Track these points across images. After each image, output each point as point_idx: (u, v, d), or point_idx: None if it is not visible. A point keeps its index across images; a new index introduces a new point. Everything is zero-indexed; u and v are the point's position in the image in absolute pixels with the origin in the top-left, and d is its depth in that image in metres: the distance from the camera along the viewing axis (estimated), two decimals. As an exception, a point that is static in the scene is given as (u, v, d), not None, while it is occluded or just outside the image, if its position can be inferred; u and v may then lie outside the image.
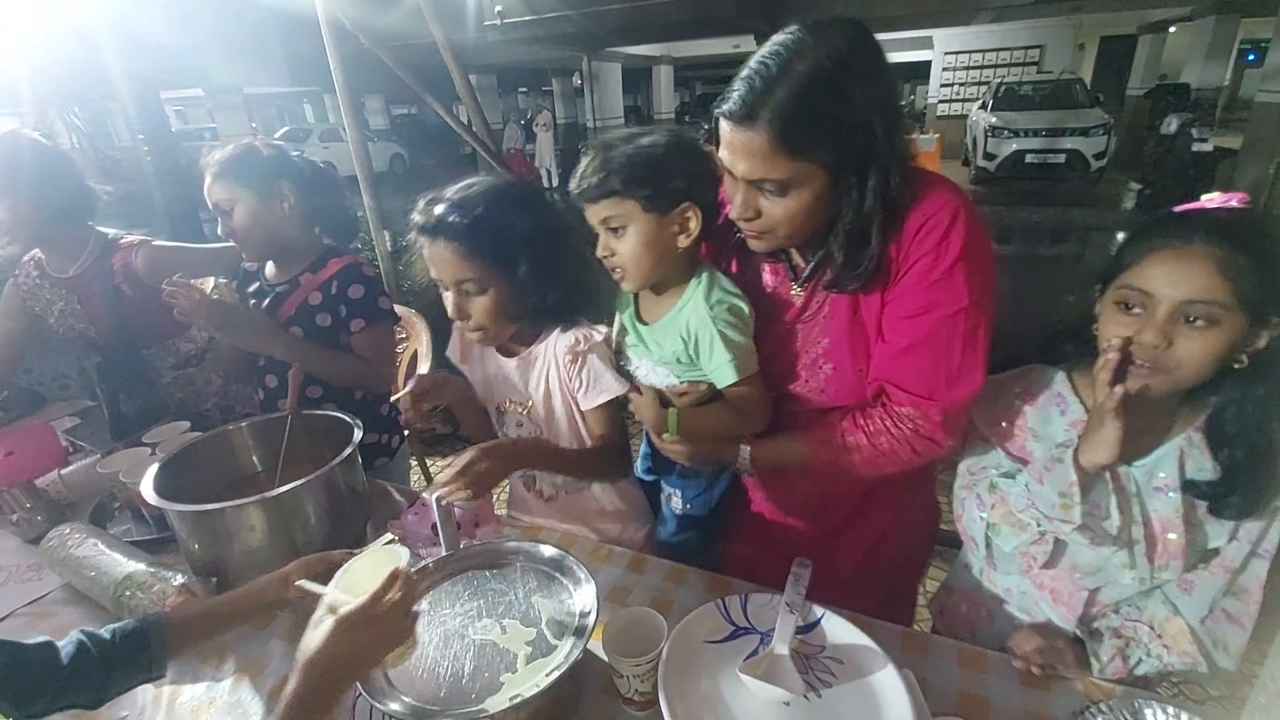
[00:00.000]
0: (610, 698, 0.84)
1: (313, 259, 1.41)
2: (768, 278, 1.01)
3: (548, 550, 0.93)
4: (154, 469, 1.07)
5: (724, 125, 0.81)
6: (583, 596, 0.85)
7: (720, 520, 1.18)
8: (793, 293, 0.97)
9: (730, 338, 0.94)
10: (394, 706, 0.70)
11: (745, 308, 0.97)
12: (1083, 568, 0.91)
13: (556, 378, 1.12)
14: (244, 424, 1.23)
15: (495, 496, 1.28)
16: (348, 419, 1.19)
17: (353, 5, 2.60)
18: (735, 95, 0.78)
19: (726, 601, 0.91)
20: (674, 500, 1.18)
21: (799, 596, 0.88)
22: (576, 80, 13.93)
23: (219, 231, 1.33)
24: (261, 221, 1.32)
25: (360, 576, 0.71)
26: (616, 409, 1.15)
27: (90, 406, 1.68)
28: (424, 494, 1.09)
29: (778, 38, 0.79)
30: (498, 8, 7.89)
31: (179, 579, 0.98)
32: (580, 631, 0.80)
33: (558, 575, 0.90)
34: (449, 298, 1.04)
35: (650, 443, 1.16)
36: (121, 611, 0.96)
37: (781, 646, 0.81)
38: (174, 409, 1.62)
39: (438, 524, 0.97)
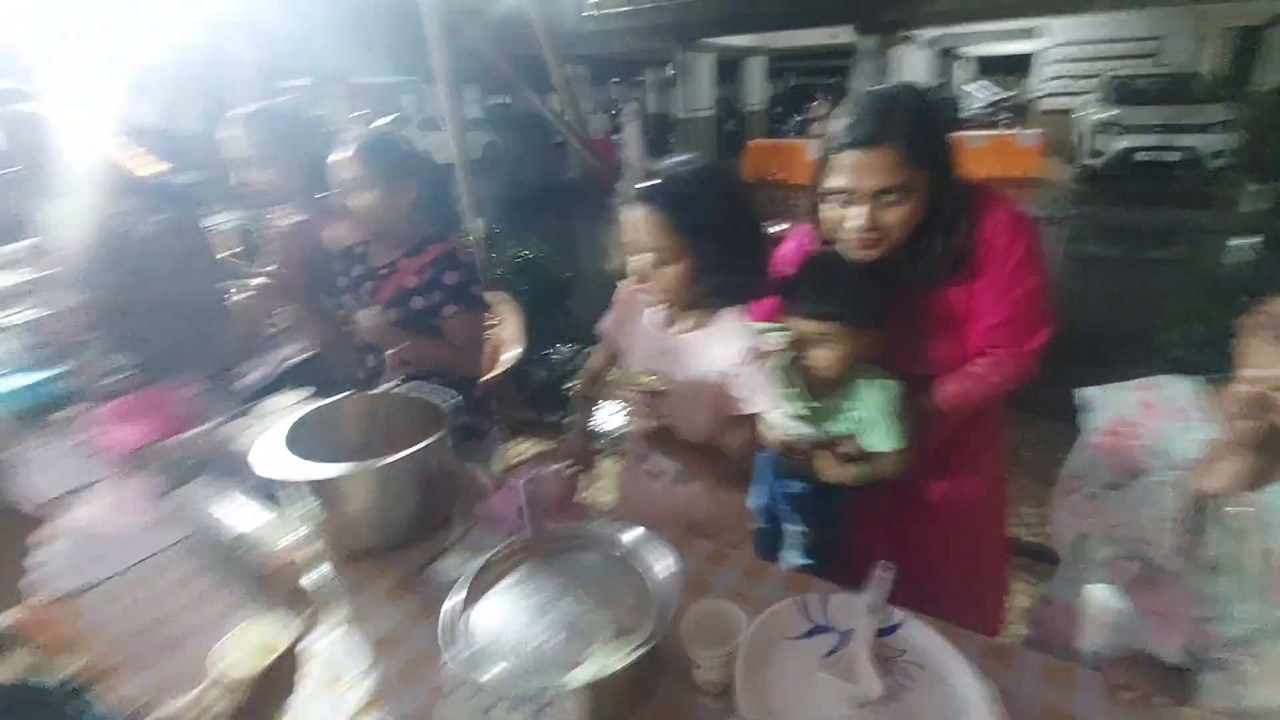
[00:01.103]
0: (686, 685, 0.84)
1: (413, 244, 1.49)
2: None
3: (631, 536, 0.94)
4: (272, 435, 1.16)
5: (848, 154, 1.01)
6: (665, 582, 0.86)
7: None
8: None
9: (900, 428, 1.11)
10: (485, 676, 0.72)
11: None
12: (1193, 595, 0.85)
13: (715, 369, 1.14)
14: (351, 398, 1.31)
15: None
16: (443, 399, 1.24)
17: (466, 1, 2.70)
18: (858, 128, 1.00)
19: (807, 599, 0.90)
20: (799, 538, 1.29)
21: (881, 599, 0.86)
22: (669, 71, 13.89)
23: (338, 199, 1.42)
24: (381, 207, 1.42)
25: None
26: (755, 420, 1.17)
27: (213, 373, 1.83)
28: (511, 479, 1.12)
29: (872, 91, 1.07)
30: (595, -1, 8.00)
31: (292, 538, 1.06)
32: (662, 616, 0.80)
33: (640, 561, 0.91)
34: (637, 261, 1.10)
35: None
36: (233, 567, 1.05)
37: (862, 647, 0.80)
38: (292, 378, 1.75)
39: (524, 506, 1.00)
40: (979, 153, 8.64)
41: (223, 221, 2.33)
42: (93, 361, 1.71)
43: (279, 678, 0.73)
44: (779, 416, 1.16)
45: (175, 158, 2.43)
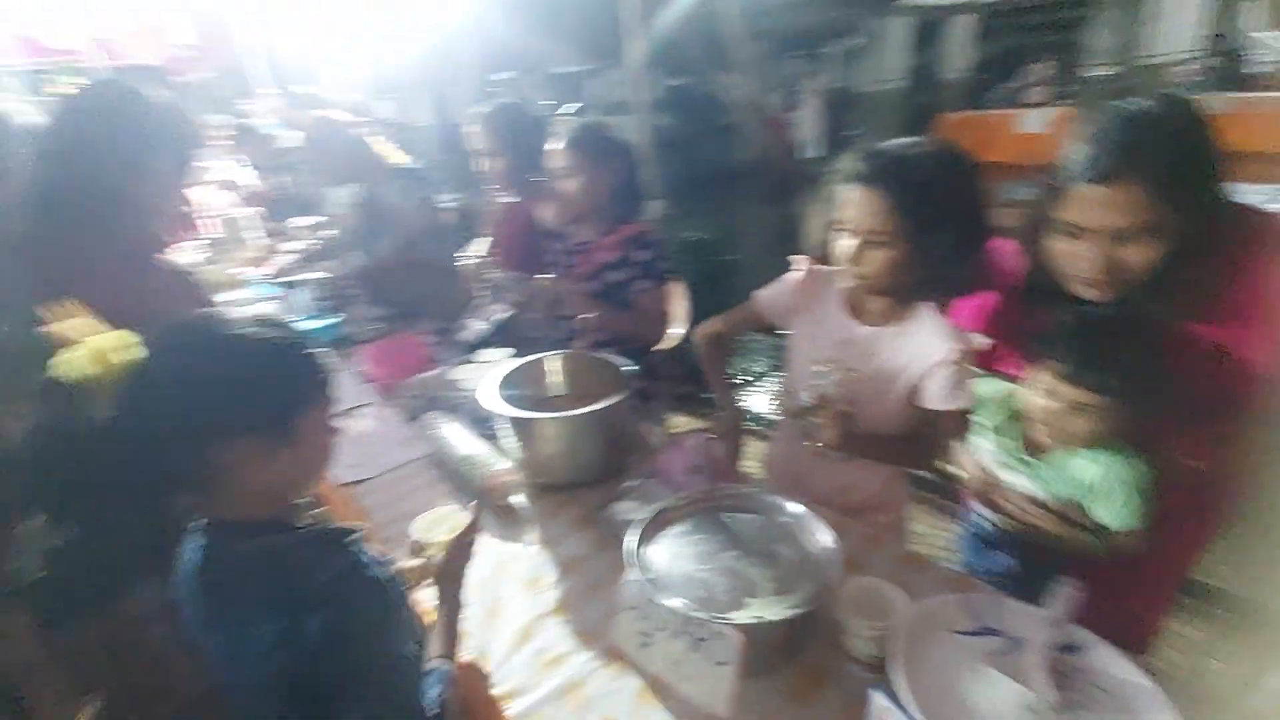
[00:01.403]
0: (836, 653, 0.89)
1: (609, 223, 1.65)
2: None
3: (794, 507, 1.00)
4: (488, 381, 1.40)
5: (1088, 189, 0.88)
6: (825, 552, 0.91)
7: None
8: None
9: (1141, 505, 0.97)
10: (664, 598, 0.85)
11: None
12: None
13: (903, 366, 1.14)
14: (551, 357, 1.51)
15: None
16: (626, 363, 1.40)
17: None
18: (1099, 161, 0.87)
19: (975, 599, 0.89)
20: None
21: (1064, 615, 0.82)
22: (856, 41, 13.04)
23: (552, 188, 1.64)
24: (589, 190, 1.59)
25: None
26: (947, 419, 1.15)
27: (443, 328, 2.20)
28: (685, 439, 1.24)
29: (1122, 111, 0.90)
30: (781, -29, 7.76)
31: (504, 464, 1.28)
32: (821, 579, 0.86)
33: (802, 530, 0.97)
34: (847, 243, 1.07)
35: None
36: (460, 480, 1.30)
37: (1036, 656, 0.78)
38: (502, 335, 2.06)
39: (696, 463, 1.11)
40: (1269, 120, 6.92)
41: (448, 200, 2.72)
42: (359, 311, 2.16)
43: (464, 545, 0.96)
44: (987, 455, 1.09)
45: (411, 147, 2.90)
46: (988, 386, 1.11)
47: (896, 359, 1.15)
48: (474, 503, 1.01)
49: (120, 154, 1.04)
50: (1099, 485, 0.98)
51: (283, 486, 0.76)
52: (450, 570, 0.93)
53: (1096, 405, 0.93)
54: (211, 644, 0.73)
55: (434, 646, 0.84)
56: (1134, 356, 0.91)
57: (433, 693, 0.77)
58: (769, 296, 1.32)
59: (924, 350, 1.11)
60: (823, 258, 1.20)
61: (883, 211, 1.01)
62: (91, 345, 0.63)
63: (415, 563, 1.02)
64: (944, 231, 1.01)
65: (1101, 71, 8.54)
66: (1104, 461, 0.97)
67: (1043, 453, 1.04)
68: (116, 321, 0.71)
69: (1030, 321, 1.03)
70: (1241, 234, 0.92)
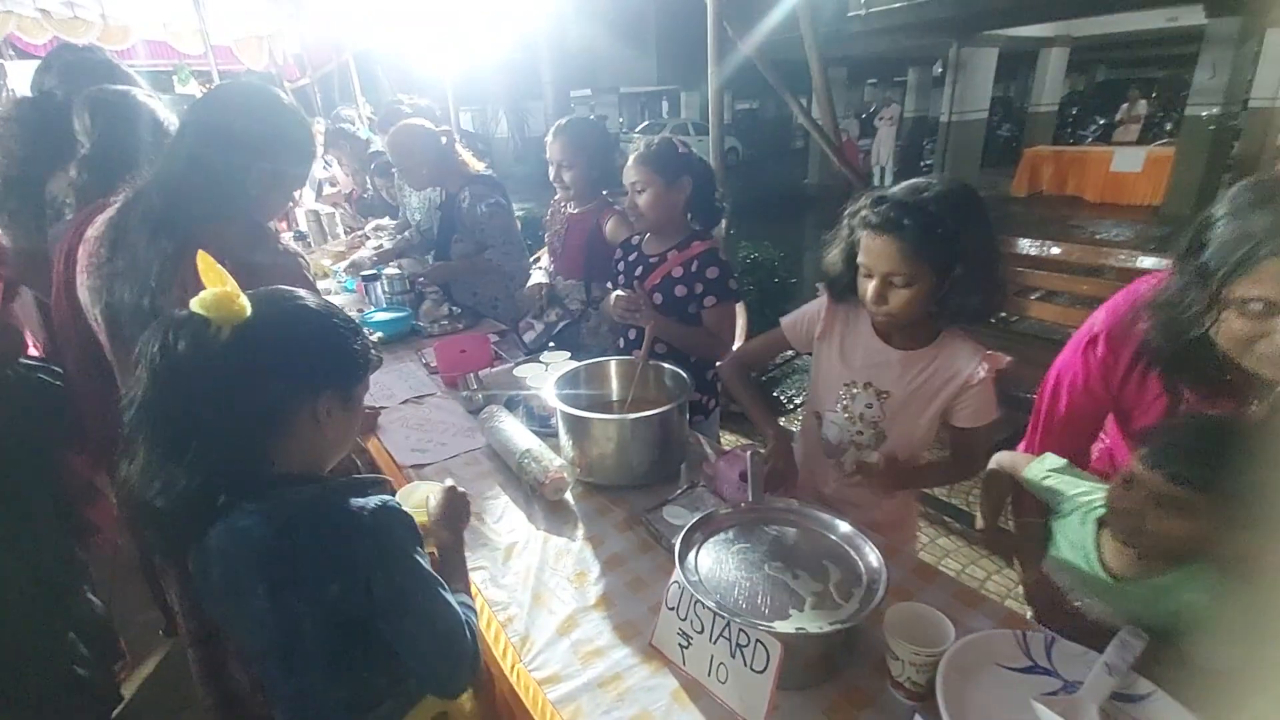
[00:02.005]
0: (877, 675, 0.88)
1: (680, 238, 1.69)
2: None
3: (843, 525, 1.00)
4: (551, 380, 1.45)
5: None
6: (872, 573, 0.90)
7: None
8: (1252, 407, 0.93)
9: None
10: (708, 601, 0.86)
11: None
12: None
13: (936, 387, 1.20)
14: (611, 361, 1.56)
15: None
16: (684, 375, 1.42)
17: (735, 12, 2.89)
18: None
19: (1028, 636, 0.86)
20: None
21: (1124, 662, 0.79)
22: (937, 69, 12.77)
23: (625, 205, 1.69)
24: (662, 203, 1.64)
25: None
26: (989, 431, 1.21)
27: (504, 329, 2.30)
28: (737, 449, 1.25)
29: None
30: (864, -2, 7.72)
31: (559, 462, 1.32)
32: (867, 600, 0.85)
33: (849, 549, 0.97)
34: (871, 284, 1.13)
35: None
36: (520, 472, 1.35)
37: (1091, 700, 0.75)
38: (559, 339, 2.13)
39: (748, 474, 1.12)
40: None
41: (520, 208, 2.84)
42: (431, 308, 2.27)
43: (451, 504, 1.03)
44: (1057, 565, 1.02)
45: (487, 157, 3.04)
46: (1072, 483, 1.04)
47: (931, 381, 1.20)
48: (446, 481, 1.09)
49: (252, 143, 1.15)
50: (1199, 611, 0.85)
51: (328, 449, 0.84)
52: (448, 520, 1.01)
53: (1177, 500, 0.83)
54: (256, 609, 0.75)
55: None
56: (1229, 450, 0.81)
57: (471, 617, 0.83)
58: (795, 322, 1.38)
59: (955, 371, 1.18)
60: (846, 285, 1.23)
61: (900, 256, 1.07)
62: (222, 290, 0.73)
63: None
64: (960, 267, 1.07)
65: (1205, 111, 8.03)
66: (1204, 584, 0.86)
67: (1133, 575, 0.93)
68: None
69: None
70: None
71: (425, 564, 0.79)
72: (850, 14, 8.04)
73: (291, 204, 3.42)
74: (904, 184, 1.12)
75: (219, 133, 1.14)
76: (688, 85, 17.74)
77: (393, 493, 0.83)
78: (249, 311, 0.73)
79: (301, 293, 0.82)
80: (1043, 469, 1.08)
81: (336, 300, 2.64)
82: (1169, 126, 10.78)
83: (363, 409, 0.90)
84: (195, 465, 0.72)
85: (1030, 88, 12.62)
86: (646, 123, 18.13)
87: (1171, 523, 0.84)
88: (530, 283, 2.18)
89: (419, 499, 1.08)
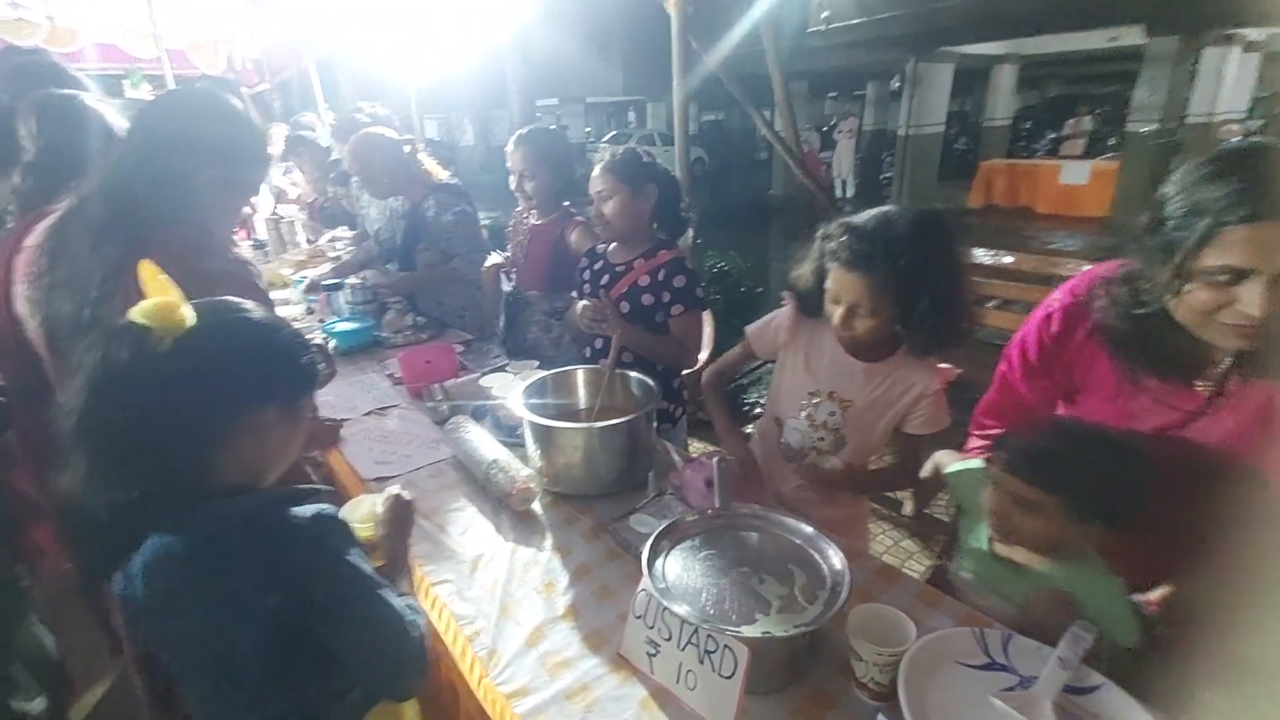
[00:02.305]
0: (841, 677, 0.89)
1: (647, 247, 1.71)
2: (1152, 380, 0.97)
3: (808, 528, 1.01)
4: (518, 390, 1.44)
5: (1251, 228, 0.79)
6: (836, 575, 0.92)
7: None
8: (1197, 385, 0.95)
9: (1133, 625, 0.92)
10: (675, 608, 0.86)
11: None
12: None
13: (895, 397, 1.26)
14: (579, 370, 1.55)
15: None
16: (650, 383, 1.43)
17: (700, 25, 2.94)
18: (1268, 198, 0.78)
19: (986, 633, 0.89)
20: None
21: (1075, 656, 0.82)
22: (895, 84, 13.16)
23: (591, 213, 1.70)
24: (628, 211, 1.65)
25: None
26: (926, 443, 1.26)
27: (470, 339, 2.27)
28: (703, 456, 1.27)
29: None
30: (825, 13, 7.91)
31: (526, 472, 1.31)
32: (831, 603, 0.87)
33: (814, 552, 0.98)
34: (839, 311, 1.17)
35: None
36: (487, 483, 1.33)
37: (1045, 695, 0.78)
38: (526, 344, 2.11)
39: (714, 481, 1.13)
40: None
41: (484, 217, 2.83)
42: (395, 318, 2.23)
43: (396, 512, 1.03)
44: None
45: (452, 165, 3.01)
46: (968, 471, 1.10)
47: (889, 392, 1.27)
48: (389, 490, 1.08)
49: (203, 149, 1.12)
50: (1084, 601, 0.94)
51: (269, 462, 0.81)
52: (395, 526, 1.02)
53: (1033, 500, 0.92)
54: (188, 625, 0.73)
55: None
56: (1074, 453, 0.91)
57: (418, 619, 0.81)
58: (760, 332, 1.43)
59: (912, 383, 1.24)
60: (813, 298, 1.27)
61: (868, 291, 1.13)
62: (163, 299, 0.70)
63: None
64: (926, 301, 1.11)
65: (1145, 127, 8.45)
66: (1074, 572, 0.95)
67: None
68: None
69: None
70: None
71: (365, 566, 0.77)
72: (811, 29, 8.23)
73: (250, 211, 3.33)
74: (874, 214, 1.15)
75: (168, 138, 1.11)
76: (654, 96, 17.91)
77: (332, 502, 0.81)
78: (190, 321, 0.71)
79: (248, 304, 0.80)
80: (958, 469, 1.13)
81: (296, 310, 2.58)
82: (1113, 141, 11.32)
83: (309, 423, 0.88)
84: (133, 478, 0.70)
85: (984, 103, 13.12)
86: (613, 133, 18.23)
87: (1030, 520, 0.94)
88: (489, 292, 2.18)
89: (365, 512, 1.07)
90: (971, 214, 10.13)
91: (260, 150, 1.23)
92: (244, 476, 0.78)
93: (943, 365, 1.26)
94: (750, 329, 1.44)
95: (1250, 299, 0.80)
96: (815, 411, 1.33)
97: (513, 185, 2.04)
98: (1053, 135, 12.84)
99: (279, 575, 0.71)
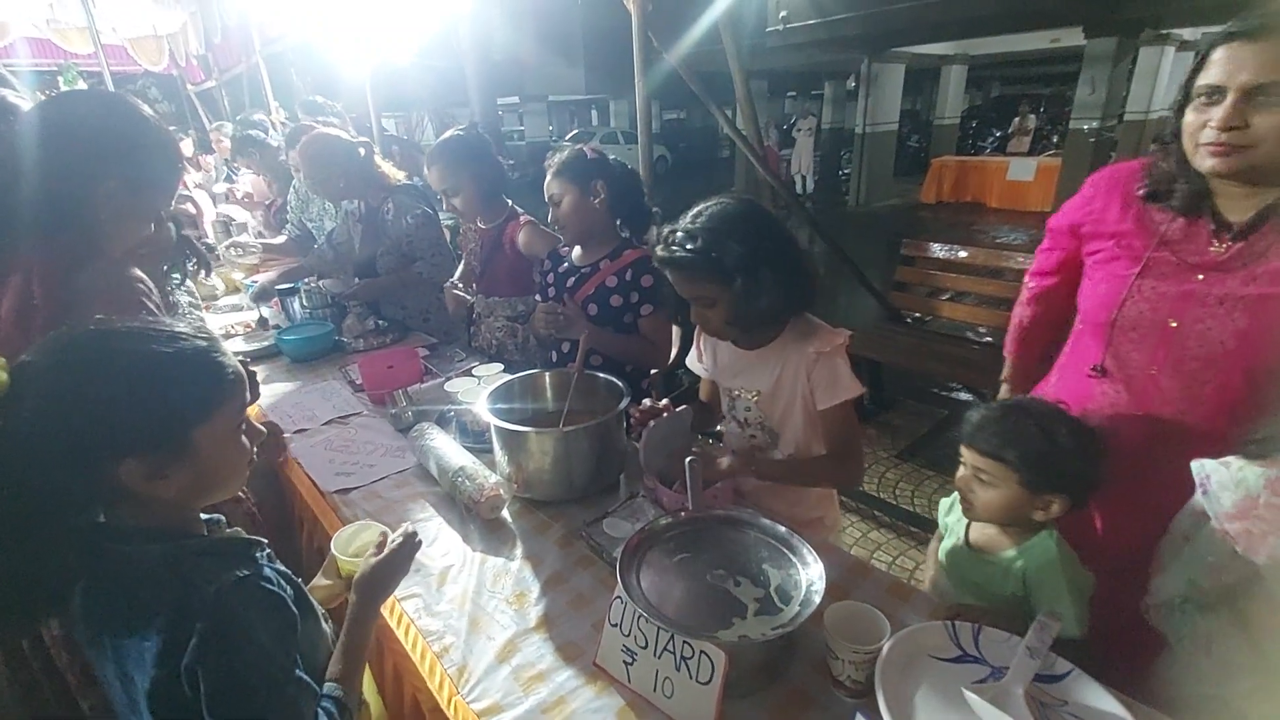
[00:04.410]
0: (818, 676, 0.89)
1: (612, 248, 1.68)
2: (1175, 228, 1.04)
3: (781, 528, 1.01)
4: (484, 395, 1.41)
5: (1229, 47, 0.89)
6: (810, 575, 0.92)
7: None
8: (1213, 248, 1.00)
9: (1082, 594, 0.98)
10: (650, 618, 0.85)
11: None
12: None
13: (791, 374, 1.23)
14: (545, 374, 1.53)
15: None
16: (619, 384, 1.41)
17: (661, 24, 2.93)
18: (1254, 20, 0.87)
19: (957, 626, 0.90)
20: None
21: (1043, 645, 0.83)
22: (851, 83, 13.42)
23: (549, 219, 1.67)
24: (579, 210, 1.62)
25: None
26: (852, 410, 1.22)
27: (435, 343, 2.21)
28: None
29: None
30: (782, 13, 8.01)
31: (494, 478, 1.28)
32: (807, 603, 0.87)
33: (787, 552, 0.98)
34: (693, 310, 1.22)
35: None
36: (454, 491, 1.30)
37: (1017, 684, 0.79)
38: (492, 350, 2.07)
39: (686, 483, 1.12)
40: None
41: (446, 218, 2.76)
42: (355, 322, 2.16)
43: (393, 560, 0.92)
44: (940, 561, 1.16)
45: (412, 165, 2.94)
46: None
47: (786, 369, 1.25)
48: (406, 525, 0.98)
49: (96, 158, 1.02)
50: (1031, 575, 1.00)
51: (184, 501, 0.73)
52: (369, 581, 0.88)
53: (988, 470, 1.00)
54: (97, 663, 0.68)
55: (331, 666, 0.80)
56: (1028, 426, 0.98)
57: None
58: (692, 358, 1.46)
59: (802, 352, 1.22)
60: None
61: (688, 282, 1.17)
62: None
63: (325, 583, 0.98)
64: (740, 278, 1.12)
65: (1085, 124, 8.78)
66: (1032, 551, 1.01)
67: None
68: (53, 322, 0.70)
69: None
70: None
71: (283, 654, 0.69)
72: (769, 28, 8.33)
73: (196, 213, 3.18)
74: (688, 213, 1.18)
75: (60, 141, 1.01)
76: (616, 94, 17.84)
77: (272, 560, 0.75)
78: (5, 382, 0.62)
79: (117, 329, 0.68)
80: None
81: (248, 316, 2.47)
82: (1055, 138, 11.76)
83: (234, 442, 0.75)
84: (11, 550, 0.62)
85: (935, 102, 13.49)
86: (576, 130, 18.11)
87: (988, 491, 1.01)
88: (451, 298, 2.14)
89: (364, 543, 1.00)
90: (925, 209, 10.41)
91: (169, 159, 1.13)
92: (156, 519, 0.70)
93: (833, 329, 1.22)
94: (688, 359, 1.47)
95: (1216, 114, 0.89)
96: (737, 409, 1.35)
97: (445, 206, 1.99)
98: (999, 133, 13.30)
99: (167, 649, 0.63)
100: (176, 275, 1.69)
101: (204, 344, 0.71)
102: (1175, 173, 1.01)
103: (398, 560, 0.92)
